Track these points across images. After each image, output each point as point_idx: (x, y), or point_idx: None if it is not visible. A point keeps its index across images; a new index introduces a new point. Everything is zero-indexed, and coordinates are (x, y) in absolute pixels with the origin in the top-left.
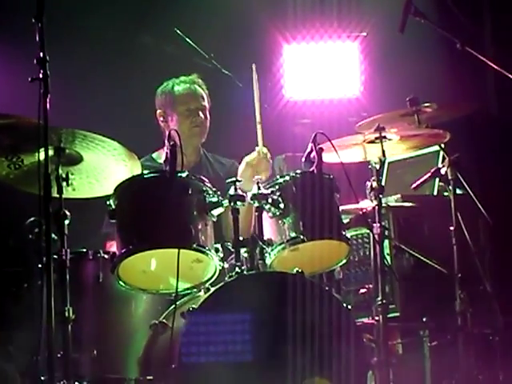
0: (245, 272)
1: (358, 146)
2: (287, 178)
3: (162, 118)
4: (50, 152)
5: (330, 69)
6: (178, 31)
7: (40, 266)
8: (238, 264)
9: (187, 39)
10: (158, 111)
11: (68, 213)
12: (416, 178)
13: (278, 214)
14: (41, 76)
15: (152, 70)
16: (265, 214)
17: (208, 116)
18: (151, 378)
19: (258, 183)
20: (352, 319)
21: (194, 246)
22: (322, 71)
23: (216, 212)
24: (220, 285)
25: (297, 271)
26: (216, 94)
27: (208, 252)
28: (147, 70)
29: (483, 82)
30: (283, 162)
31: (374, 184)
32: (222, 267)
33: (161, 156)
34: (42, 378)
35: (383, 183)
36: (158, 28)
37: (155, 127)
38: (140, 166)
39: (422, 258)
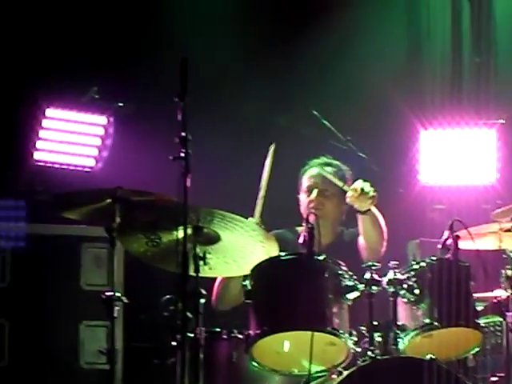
0: (378, 357)
1: (493, 234)
2: (423, 264)
3: (300, 201)
4: (189, 231)
5: (466, 155)
6: (316, 113)
7: (174, 343)
8: (372, 348)
9: (324, 121)
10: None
11: (204, 292)
12: None
13: (412, 299)
14: (182, 155)
15: (287, 151)
16: (399, 299)
17: (333, 198)
18: None
19: (394, 269)
20: None
21: (328, 329)
22: (458, 157)
23: (351, 296)
24: (353, 369)
25: (430, 358)
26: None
27: (342, 336)
28: (283, 150)
29: None
30: (417, 246)
31: (510, 273)
32: (355, 351)
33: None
34: None
35: None
36: (294, 109)
37: (294, 204)
38: (277, 247)
39: None
